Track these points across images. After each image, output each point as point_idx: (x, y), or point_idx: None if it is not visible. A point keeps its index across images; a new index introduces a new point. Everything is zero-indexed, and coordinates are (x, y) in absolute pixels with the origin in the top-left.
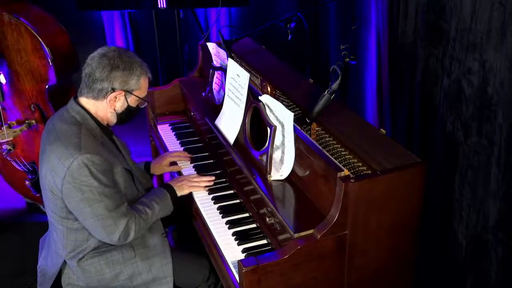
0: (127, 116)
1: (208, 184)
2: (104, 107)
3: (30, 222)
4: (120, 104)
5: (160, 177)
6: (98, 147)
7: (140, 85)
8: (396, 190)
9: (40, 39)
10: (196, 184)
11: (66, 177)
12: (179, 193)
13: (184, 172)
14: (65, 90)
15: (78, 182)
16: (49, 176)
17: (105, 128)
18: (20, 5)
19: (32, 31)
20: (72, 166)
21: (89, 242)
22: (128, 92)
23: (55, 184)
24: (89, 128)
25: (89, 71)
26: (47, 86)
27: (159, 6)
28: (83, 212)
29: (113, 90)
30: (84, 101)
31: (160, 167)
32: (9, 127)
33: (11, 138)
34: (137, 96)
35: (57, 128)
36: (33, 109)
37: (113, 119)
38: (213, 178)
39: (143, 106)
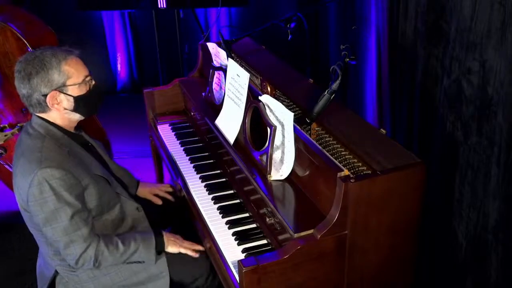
0: (86, 104)
1: (195, 254)
2: (57, 113)
3: None
4: (65, 102)
5: (160, 178)
6: (62, 159)
7: (67, 73)
8: (396, 190)
9: (26, 42)
10: (188, 247)
11: (29, 194)
12: (168, 246)
13: (184, 172)
14: None
15: (39, 199)
16: (17, 192)
17: (73, 135)
18: (4, 8)
19: (18, 34)
20: (33, 182)
21: None
22: (60, 88)
23: (23, 200)
24: (54, 138)
25: (19, 92)
26: None
27: (159, 6)
28: (45, 231)
29: (45, 95)
30: (41, 115)
31: (143, 191)
32: (1, 130)
33: (2, 142)
34: (73, 84)
35: (23, 143)
36: (24, 112)
37: (74, 116)
38: (201, 248)
39: (93, 83)
